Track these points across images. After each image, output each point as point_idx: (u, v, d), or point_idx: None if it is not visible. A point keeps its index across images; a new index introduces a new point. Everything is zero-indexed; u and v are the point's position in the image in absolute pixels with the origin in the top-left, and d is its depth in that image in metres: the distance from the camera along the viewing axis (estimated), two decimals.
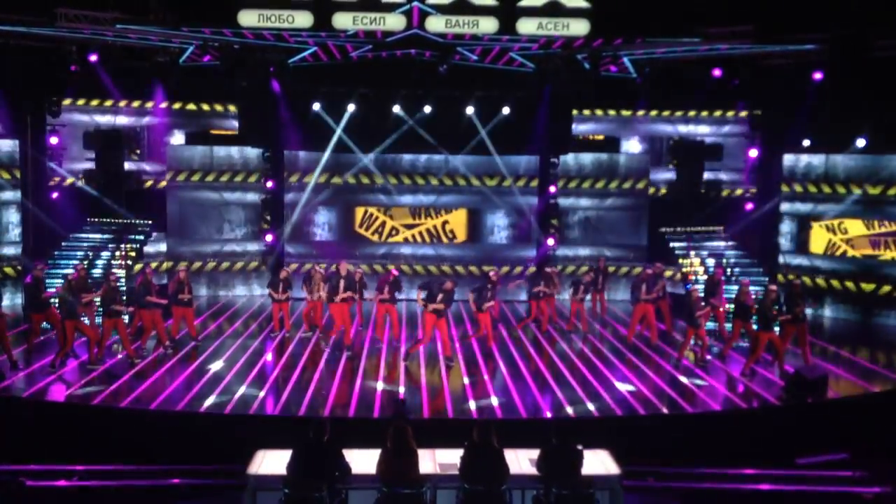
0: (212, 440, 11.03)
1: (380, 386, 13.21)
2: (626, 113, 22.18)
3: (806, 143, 20.34)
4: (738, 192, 22.30)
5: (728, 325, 16.12)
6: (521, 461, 8.42)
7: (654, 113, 22.29)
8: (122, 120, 21.66)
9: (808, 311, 14.63)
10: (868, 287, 19.12)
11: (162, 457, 10.44)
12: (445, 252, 21.66)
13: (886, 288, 18.86)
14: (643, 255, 21.22)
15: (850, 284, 19.42)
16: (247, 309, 19.55)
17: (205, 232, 21.38)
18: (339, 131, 20.66)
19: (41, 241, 19.53)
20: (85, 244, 19.84)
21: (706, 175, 21.77)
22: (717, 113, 22.09)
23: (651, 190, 22.04)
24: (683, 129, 22.86)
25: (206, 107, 22.13)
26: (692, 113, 22.36)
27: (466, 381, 13.60)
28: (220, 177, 21.14)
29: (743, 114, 21.62)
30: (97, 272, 18.01)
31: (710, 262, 20.16)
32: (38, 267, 14.80)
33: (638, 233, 21.74)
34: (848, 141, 19.10)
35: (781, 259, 20.39)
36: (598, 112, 22.58)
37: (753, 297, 15.06)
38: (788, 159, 20.27)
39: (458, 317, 18.48)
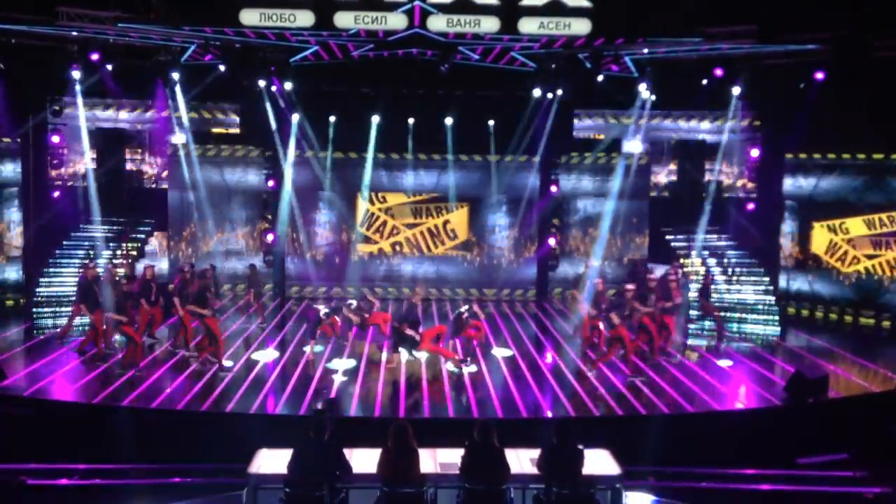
0: (212, 439, 11.04)
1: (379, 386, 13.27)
2: (626, 112, 22.13)
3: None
4: (739, 192, 22.29)
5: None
6: (521, 461, 8.42)
7: (655, 112, 22.25)
8: (124, 119, 21.66)
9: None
10: (867, 322, 19.03)
11: (162, 455, 10.45)
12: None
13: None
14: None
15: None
16: (248, 308, 19.56)
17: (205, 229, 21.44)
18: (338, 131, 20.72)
19: (42, 241, 19.56)
20: (86, 243, 19.88)
21: (707, 175, 21.81)
22: (719, 113, 22.06)
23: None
24: (685, 128, 22.86)
25: (207, 106, 22.14)
26: (693, 112, 22.34)
27: (467, 381, 13.62)
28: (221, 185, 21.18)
29: (744, 113, 21.61)
30: (100, 270, 18.01)
31: (712, 261, 20.20)
32: (91, 265, 14.89)
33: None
34: (849, 141, 19.12)
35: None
36: (599, 112, 22.54)
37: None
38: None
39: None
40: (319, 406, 11.60)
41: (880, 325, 18.77)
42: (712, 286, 17.41)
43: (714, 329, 17.15)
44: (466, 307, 15.02)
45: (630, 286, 14.88)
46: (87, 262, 16.10)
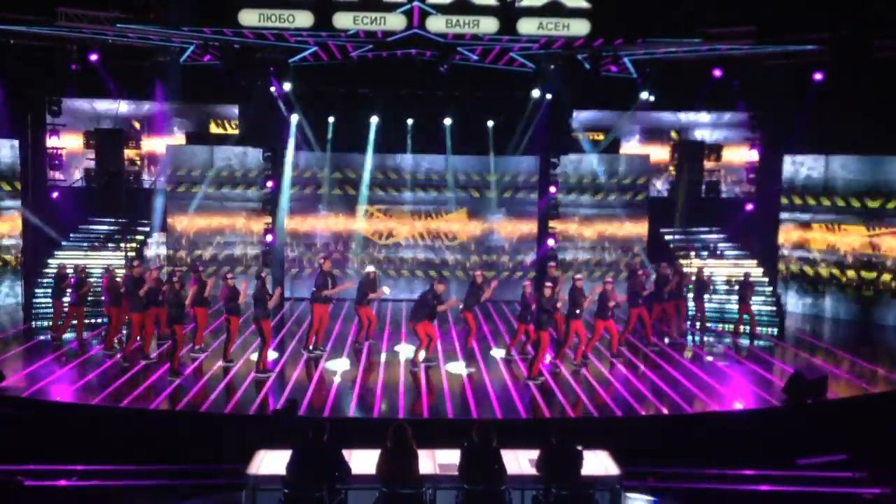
0: (212, 440, 11.03)
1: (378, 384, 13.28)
2: (626, 113, 22.14)
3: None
4: (738, 192, 22.29)
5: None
6: (520, 461, 8.41)
7: (654, 113, 22.25)
8: (122, 119, 21.65)
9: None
10: (869, 275, 19.02)
11: (161, 457, 10.44)
12: (446, 255, 21.61)
13: (887, 276, 18.76)
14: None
15: (851, 273, 19.34)
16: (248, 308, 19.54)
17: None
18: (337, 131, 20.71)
19: (41, 241, 19.55)
20: (84, 244, 19.87)
21: (706, 175, 21.81)
22: (718, 113, 22.08)
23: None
24: (684, 129, 22.86)
25: (206, 106, 22.12)
26: (692, 113, 22.34)
27: (466, 381, 13.61)
28: (221, 186, 21.20)
29: (743, 114, 21.63)
30: (97, 271, 18.00)
31: (711, 262, 20.20)
32: (136, 265, 14.89)
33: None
34: (848, 142, 19.12)
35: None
36: (598, 112, 22.54)
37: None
38: (788, 171, 20.34)
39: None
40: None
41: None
42: (751, 288, 17.57)
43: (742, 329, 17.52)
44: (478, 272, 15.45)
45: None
46: (133, 262, 15.99)
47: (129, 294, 14.51)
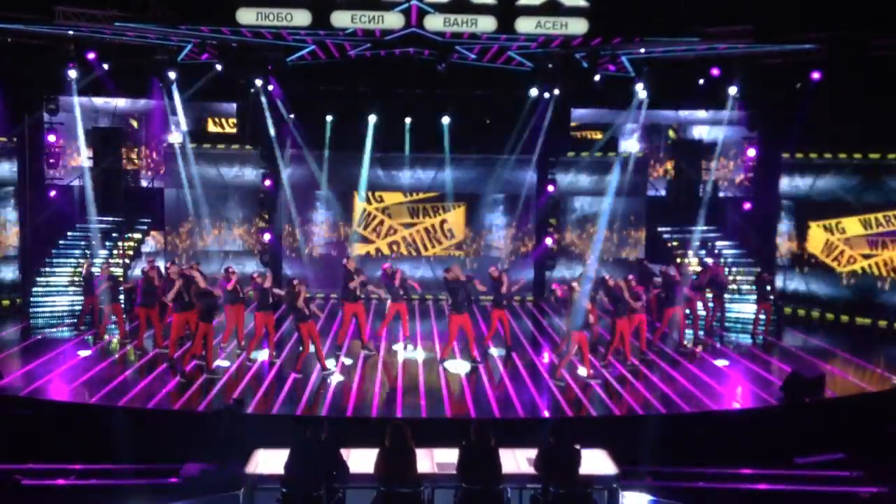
0: (209, 439, 11.02)
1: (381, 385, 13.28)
2: (623, 112, 22.14)
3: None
4: (736, 191, 22.31)
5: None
6: (518, 460, 8.42)
7: (651, 112, 22.22)
8: (120, 117, 21.62)
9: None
10: (864, 322, 18.95)
11: (159, 456, 10.43)
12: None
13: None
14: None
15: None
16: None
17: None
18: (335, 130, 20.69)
19: (39, 240, 19.52)
20: (82, 242, 19.85)
21: (704, 174, 21.83)
22: (715, 112, 22.06)
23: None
24: (681, 127, 22.86)
25: (204, 105, 22.08)
26: (690, 112, 22.33)
27: (464, 380, 13.62)
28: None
29: (741, 113, 21.62)
30: (95, 270, 17.98)
31: (709, 261, 20.20)
32: (186, 269, 14.90)
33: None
34: (846, 141, 19.13)
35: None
36: (596, 111, 22.52)
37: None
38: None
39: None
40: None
41: (876, 326, 18.72)
42: (768, 286, 17.68)
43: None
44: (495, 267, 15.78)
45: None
46: (184, 265, 15.98)
47: (143, 292, 14.43)
